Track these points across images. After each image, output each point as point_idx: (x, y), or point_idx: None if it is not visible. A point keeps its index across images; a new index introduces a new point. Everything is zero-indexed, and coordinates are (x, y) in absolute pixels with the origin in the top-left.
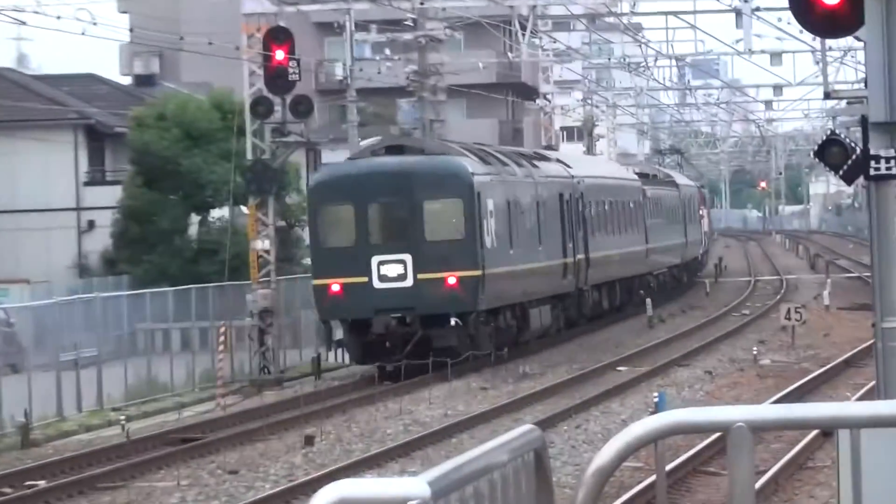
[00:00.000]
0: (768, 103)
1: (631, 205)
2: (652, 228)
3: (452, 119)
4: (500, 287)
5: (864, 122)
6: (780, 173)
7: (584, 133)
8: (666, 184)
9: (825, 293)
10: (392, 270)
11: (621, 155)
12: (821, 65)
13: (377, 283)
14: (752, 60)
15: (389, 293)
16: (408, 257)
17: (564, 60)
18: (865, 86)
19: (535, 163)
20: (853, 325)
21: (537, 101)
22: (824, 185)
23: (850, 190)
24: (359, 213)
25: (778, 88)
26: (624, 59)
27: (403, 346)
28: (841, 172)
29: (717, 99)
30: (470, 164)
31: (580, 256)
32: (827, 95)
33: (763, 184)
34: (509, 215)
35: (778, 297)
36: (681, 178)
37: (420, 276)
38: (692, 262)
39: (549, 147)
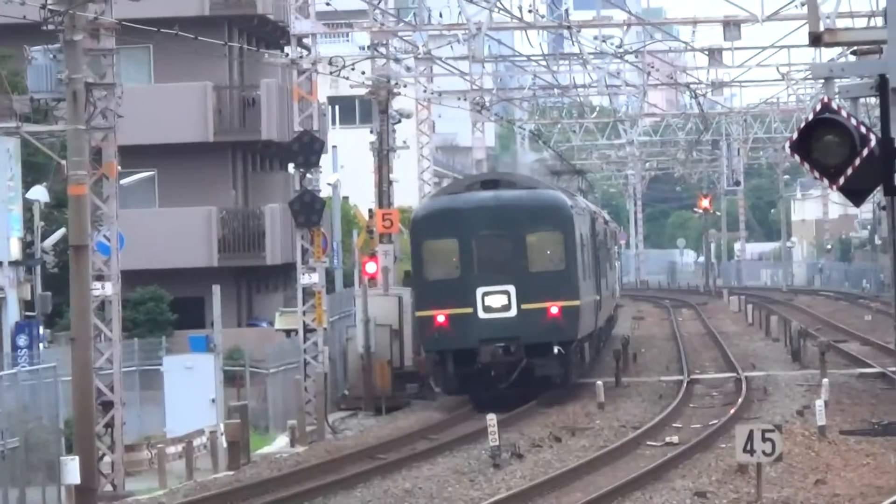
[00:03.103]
0: (714, 54)
1: (604, 240)
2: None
3: (130, 82)
4: (586, 318)
5: (881, 87)
6: (738, 183)
7: (373, 109)
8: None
9: (818, 404)
10: (496, 301)
11: (446, 148)
12: None
13: (482, 314)
14: None
15: (494, 323)
16: (512, 288)
17: None
18: (884, 21)
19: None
20: (869, 464)
21: (286, 49)
22: (818, 206)
23: (862, 214)
24: (463, 247)
25: (732, 26)
26: None
27: (507, 375)
28: (840, 181)
29: (621, 45)
30: (567, 198)
31: (596, 297)
32: (816, 39)
33: (705, 202)
34: (582, 248)
35: (732, 411)
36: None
37: (524, 306)
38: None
39: (306, 134)
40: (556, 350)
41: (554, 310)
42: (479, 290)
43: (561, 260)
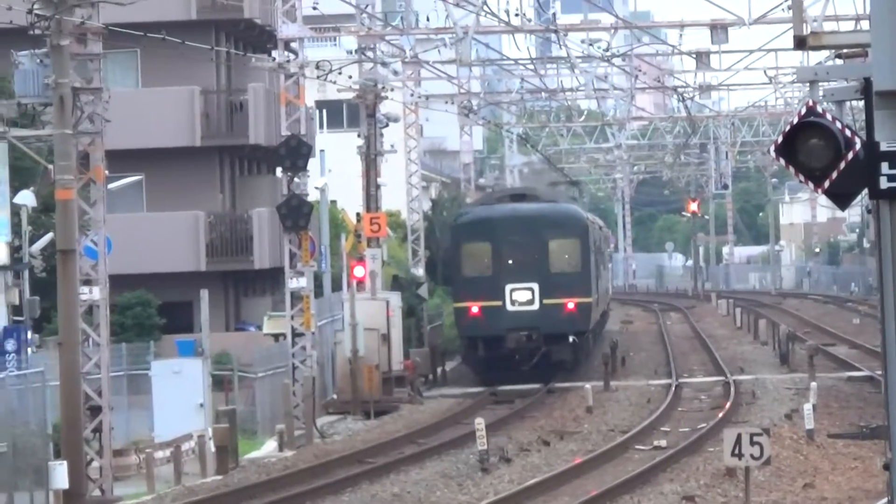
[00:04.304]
0: (701, 57)
1: (599, 245)
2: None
3: (117, 86)
4: (596, 312)
5: (866, 91)
6: (726, 186)
7: (361, 113)
8: None
9: (807, 408)
10: (522, 296)
11: (434, 152)
12: None
13: (510, 307)
14: None
15: (520, 315)
16: (535, 286)
17: None
18: (869, 25)
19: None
20: (857, 467)
21: (273, 53)
22: (806, 209)
23: (850, 217)
24: (495, 249)
25: (719, 29)
26: None
27: (529, 359)
28: (826, 184)
29: (608, 49)
30: (583, 210)
31: (595, 296)
32: (801, 42)
33: (694, 206)
34: (592, 252)
35: (720, 414)
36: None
37: (545, 301)
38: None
39: (293, 138)
40: (571, 339)
41: (570, 305)
42: (508, 287)
43: (577, 263)
